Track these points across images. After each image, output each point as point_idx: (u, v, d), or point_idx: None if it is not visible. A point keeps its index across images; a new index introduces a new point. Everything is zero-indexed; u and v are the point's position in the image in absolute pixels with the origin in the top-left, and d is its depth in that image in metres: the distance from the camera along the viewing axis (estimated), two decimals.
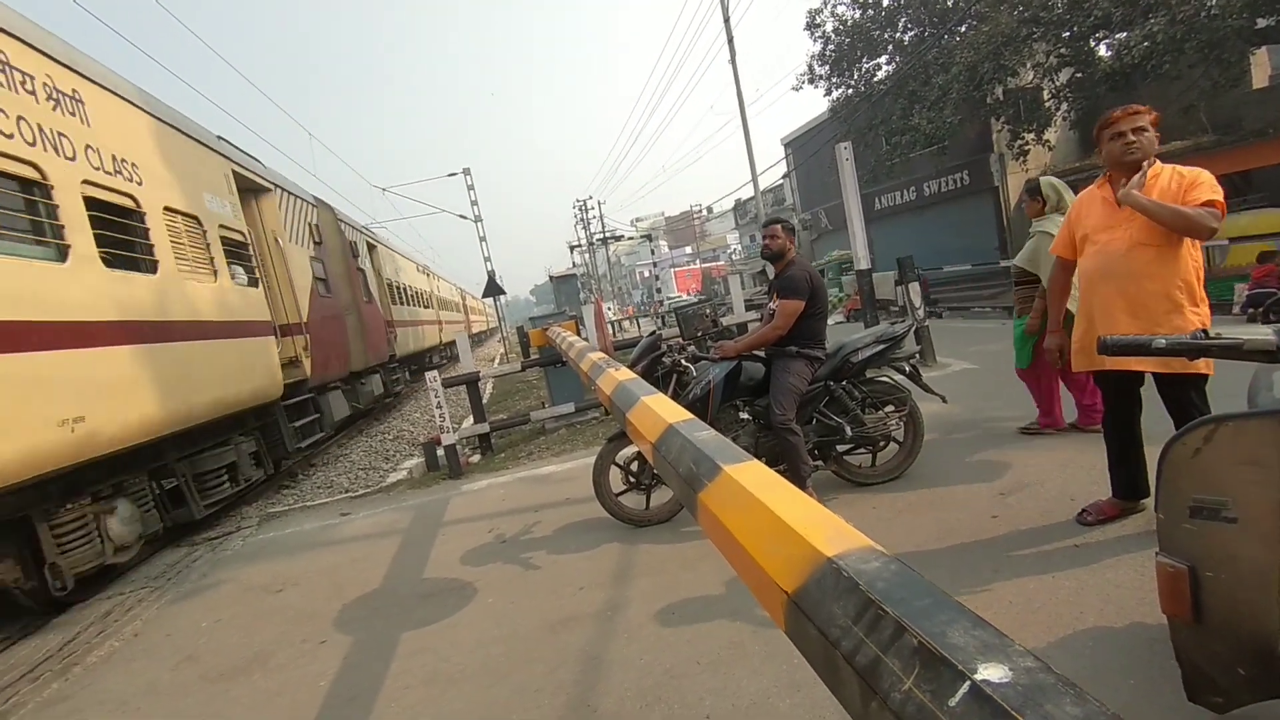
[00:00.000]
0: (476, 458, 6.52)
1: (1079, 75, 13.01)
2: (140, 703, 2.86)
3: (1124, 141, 2.49)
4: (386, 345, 12.16)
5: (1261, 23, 9.93)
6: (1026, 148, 14.20)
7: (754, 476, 0.92)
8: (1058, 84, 13.46)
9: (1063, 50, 12.83)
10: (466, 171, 23.29)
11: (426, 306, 19.21)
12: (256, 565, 4.48)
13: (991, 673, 0.48)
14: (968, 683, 0.48)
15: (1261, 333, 1.19)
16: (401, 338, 13.67)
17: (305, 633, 3.23)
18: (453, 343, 18.43)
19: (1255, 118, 11.88)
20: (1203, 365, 2.36)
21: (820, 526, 0.74)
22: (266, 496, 6.83)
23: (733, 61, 17.90)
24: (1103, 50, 13.08)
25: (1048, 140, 14.42)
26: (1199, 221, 2.30)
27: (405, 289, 15.92)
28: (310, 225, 9.22)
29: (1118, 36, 12.09)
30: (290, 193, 8.67)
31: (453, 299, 28.52)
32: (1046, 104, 13.90)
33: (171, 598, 4.14)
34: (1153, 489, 1.39)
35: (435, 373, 6.18)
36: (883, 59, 16.38)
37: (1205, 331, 1.24)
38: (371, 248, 12.86)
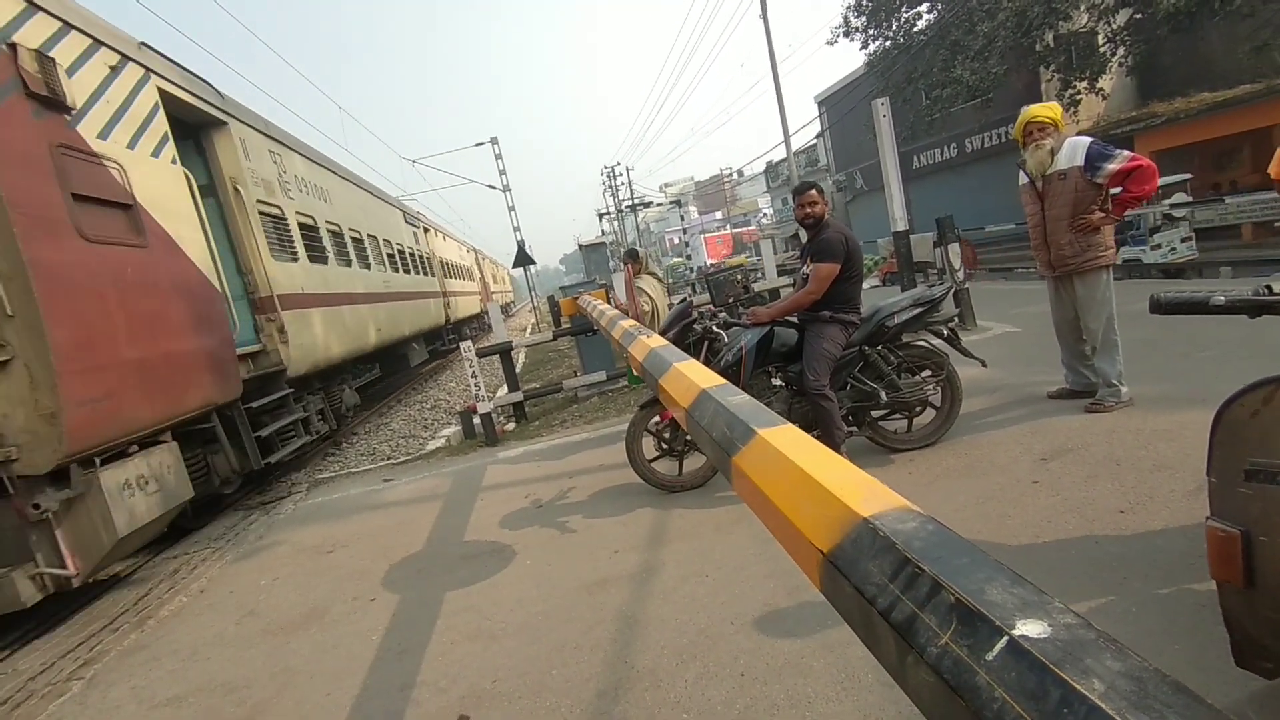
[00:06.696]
0: (511, 426, 6.66)
1: (1138, 16, 12.12)
2: (210, 653, 3.07)
3: None
4: (478, 308, 24.28)
5: None
6: (1079, 97, 13.36)
7: (788, 439, 0.92)
8: (1114, 27, 12.56)
9: None
10: (494, 141, 23.18)
11: (499, 288, 35.43)
12: (308, 528, 4.71)
13: (1030, 628, 0.48)
14: (1005, 638, 0.48)
15: None
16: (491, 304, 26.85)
17: (356, 591, 3.40)
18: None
19: None
20: None
21: (856, 487, 0.74)
22: (314, 464, 7.13)
23: (764, 16, 17.23)
24: None
25: (1101, 89, 13.56)
26: None
27: (493, 277, 32.58)
28: (476, 250, 26.93)
29: None
30: (470, 244, 25.70)
31: (502, 277, 45.78)
32: (1101, 49, 13.00)
33: (232, 558, 4.39)
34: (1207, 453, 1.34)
35: (469, 343, 6.29)
36: (923, 7, 15.53)
37: (1269, 287, 1.18)
38: (483, 258, 27.21)
